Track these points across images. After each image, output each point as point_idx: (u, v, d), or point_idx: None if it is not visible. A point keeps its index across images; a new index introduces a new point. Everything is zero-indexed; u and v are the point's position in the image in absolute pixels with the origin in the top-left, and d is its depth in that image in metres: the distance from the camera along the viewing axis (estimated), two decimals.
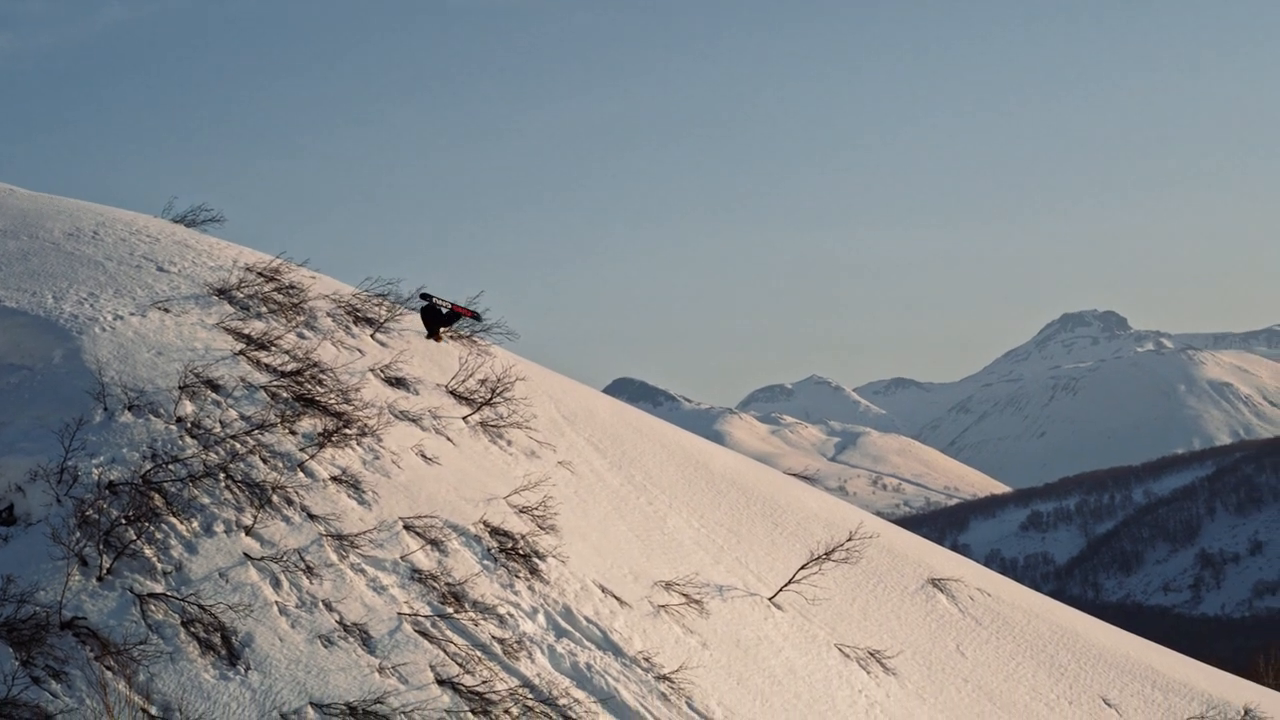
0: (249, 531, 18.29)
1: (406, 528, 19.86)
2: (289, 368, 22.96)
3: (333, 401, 22.31)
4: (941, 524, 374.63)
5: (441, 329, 28.95)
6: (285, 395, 21.87)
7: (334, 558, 18.51)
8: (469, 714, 16.76)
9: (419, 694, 16.75)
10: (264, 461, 19.86)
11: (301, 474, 20.00)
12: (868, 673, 23.63)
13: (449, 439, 23.98)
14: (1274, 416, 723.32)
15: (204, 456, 19.28)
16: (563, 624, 19.52)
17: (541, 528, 21.76)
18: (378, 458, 21.54)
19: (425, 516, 20.27)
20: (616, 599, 20.92)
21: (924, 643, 26.23)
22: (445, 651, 17.68)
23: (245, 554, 17.85)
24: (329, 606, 17.59)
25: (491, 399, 25.98)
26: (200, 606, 16.59)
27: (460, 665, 17.55)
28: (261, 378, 22.21)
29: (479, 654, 17.97)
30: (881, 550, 29.12)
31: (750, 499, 29.06)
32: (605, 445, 28.03)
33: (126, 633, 16.01)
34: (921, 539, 34.73)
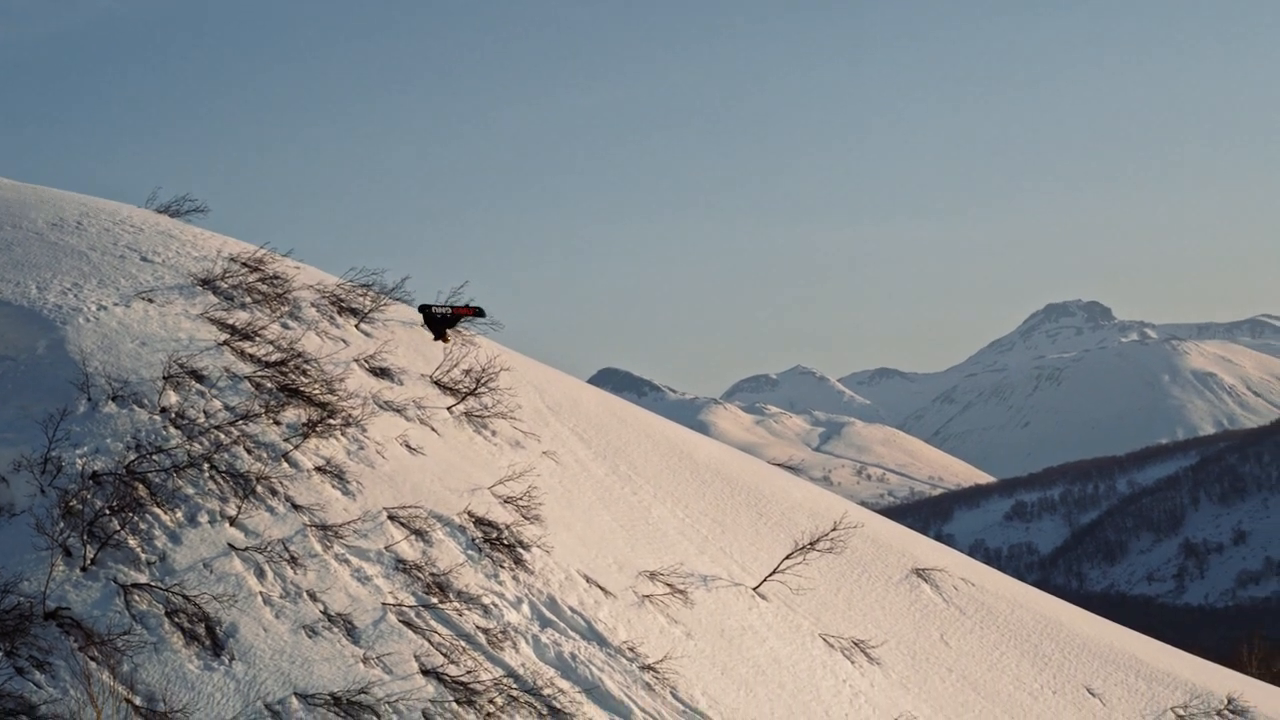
0: (233, 522, 18.28)
1: (391, 518, 19.86)
2: (273, 358, 22.94)
3: (317, 392, 22.30)
4: (926, 514, 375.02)
5: (448, 330, 29.04)
6: (269, 385, 21.86)
7: (318, 548, 18.51)
8: (453, 704, 16.78)
9: (403, 684, 16.76)
10: (248, 452, 19.85)
11: (286, 464, 19.98)
12: (852, 662, 23.66)
13: (433, 429, 23.97)
14: (1257, 406, 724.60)
15: (188, 447, 19.27)
16: (547, 614, 19.53)
17: (526, 518, 21.76)
18: (362, 448, 21.53)
19: (410, 507, 20.27)
20: (601, 589, 20.94)
21: (908, 632, 26.27)
22: (430, 642, 17.69)
23: (229, 544, 17.84)
24: (313, 597, 17.59)
25: (476, 389, 25.97)
26: (184, 597, 16.58)
27: (445, 655, 17.56)
28: (246, 368, 22.19)
29: (463, 644, 17.98)
30: (866, 540, 29.15)
31: (735, 489, 29.08)
32: (590, 435, 28.03)
33: (110, 623, 15.99)
34: (906, 529, 34.75)
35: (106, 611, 16.18)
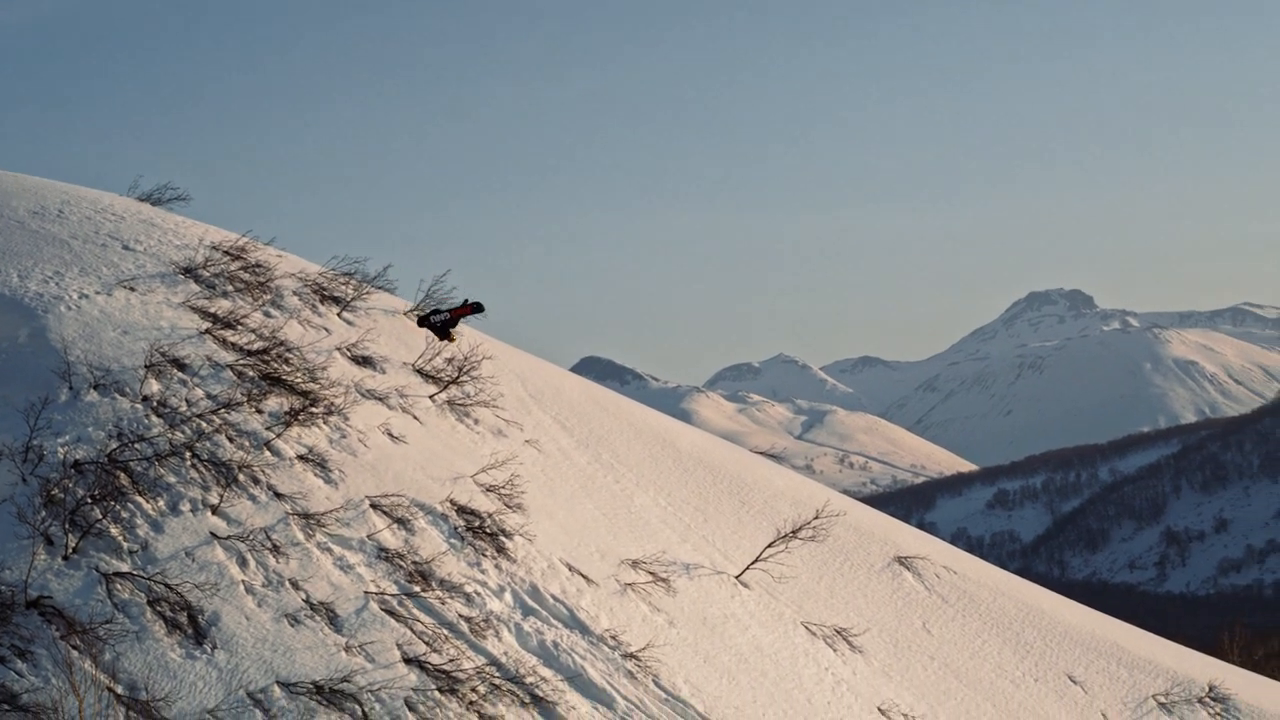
0: (215, 510, 18.27)
1: (373, 506, 19.86)
2: (255, 346, 22.90)
3: (299, 380, 22.27)
4: (908, 502, 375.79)
5: (451, 330, 28.94)
6: (251, 374, 21.82)
7: (300, 536, 18.50)
8: (436, 692, 16.79)
9: (385, 672, 16.77)
10: (230, 440, 19.83)
11: (268, 453, 19.97)
12: (834, 650, 23.72)
13: (416, 418, 23.96)
14: (1239, 395, 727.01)
15: (170, 435, 19.24)
16: (530, 602, 19.55)
17: (508, 506, 21.77)
18: (344, 436, 21.52)
19: (392, 495, 20.27)
20: (583, 577, 20.96)
21: (890, 620, 26.34)
22: (412, 630, 17.70)
23: (211, 533, 17.83)
24: (295, 585, 17.59)
25: (458, 378, 25.96)
26: (166, 585, 16.57)
27: (427, 644, 17.57)
28: (228, 356, 22.16)
29: (446, 632, 17.99)
30: (848, 528, 29.20)
31: (717, 477, 29.11)
32: (572, 424, 28.03)
33: (92, 612, 15.98)
34: (888, 517, 34.80)
35: (88, 600, 16.17)
